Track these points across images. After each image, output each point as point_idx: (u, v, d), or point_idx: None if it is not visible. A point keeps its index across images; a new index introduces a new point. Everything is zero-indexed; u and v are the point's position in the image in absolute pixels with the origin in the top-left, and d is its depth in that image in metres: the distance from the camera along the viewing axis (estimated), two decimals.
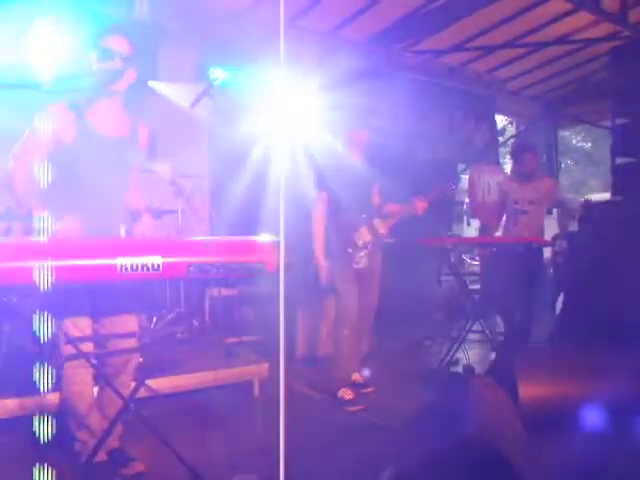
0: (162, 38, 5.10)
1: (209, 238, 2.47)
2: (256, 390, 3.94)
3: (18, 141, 2.57)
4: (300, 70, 3.86)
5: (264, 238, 2.58)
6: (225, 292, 4.79)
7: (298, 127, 3.92)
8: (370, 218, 4.02)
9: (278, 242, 2.53)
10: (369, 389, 4.06)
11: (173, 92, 5.31)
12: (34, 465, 2.26)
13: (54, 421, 2.61)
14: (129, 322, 2.74)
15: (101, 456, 2.68)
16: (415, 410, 3.56)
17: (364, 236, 3.95)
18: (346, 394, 3.90)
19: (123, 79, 2.66)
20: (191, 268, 2.20)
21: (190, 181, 4.88)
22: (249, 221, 4.17)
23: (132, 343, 2.74)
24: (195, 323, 4.57)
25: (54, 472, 2.27)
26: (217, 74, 5.29)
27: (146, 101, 4.66)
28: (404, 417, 3.44)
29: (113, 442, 2.82)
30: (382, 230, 4.02)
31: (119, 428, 2.82)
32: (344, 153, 3.95)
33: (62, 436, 2.84)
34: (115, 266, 2.06)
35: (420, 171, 6.20)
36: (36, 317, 2.43)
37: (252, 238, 2.62)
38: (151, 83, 5.13)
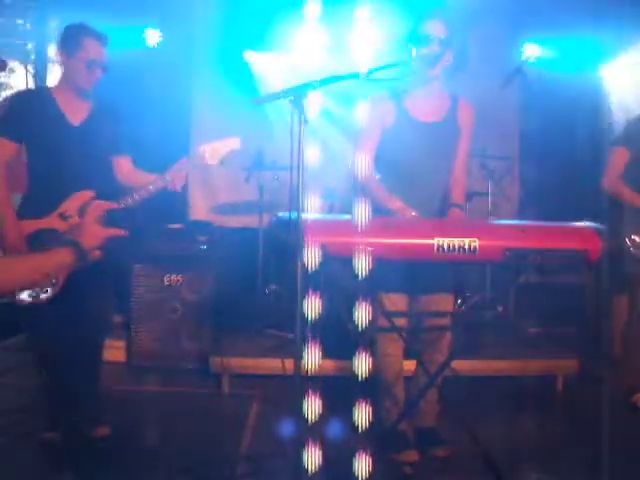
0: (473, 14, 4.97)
1: (527, 223, 2.36)
2: (559, 385, 3.72)
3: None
4: None
5: (585, 225, 2.38)
6: (532, 279, 4.60)
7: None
8: None
9: (600, 230, 2.31)
10: None
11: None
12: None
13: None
14: (445, 301, 2.78)
15: (404, 427, 2.76)
16: None
17: None
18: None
19: (440, 63, 2.66)
20: (507, 252, 2.14)
21: (500, 163, 4.74)
22: (561, 205, 3.90)
23: (445, 321, 2.78)
24: (499, 308, 4.50)
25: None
26: (531, 50, 5.02)
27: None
28: None
29: (429, 420, 2.86)
30: None
31: (436, 408, 2.85)
32: None
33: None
34: (432, 246, 2.11)
35: None
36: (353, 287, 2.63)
37: (573, 224, 2.44)
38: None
